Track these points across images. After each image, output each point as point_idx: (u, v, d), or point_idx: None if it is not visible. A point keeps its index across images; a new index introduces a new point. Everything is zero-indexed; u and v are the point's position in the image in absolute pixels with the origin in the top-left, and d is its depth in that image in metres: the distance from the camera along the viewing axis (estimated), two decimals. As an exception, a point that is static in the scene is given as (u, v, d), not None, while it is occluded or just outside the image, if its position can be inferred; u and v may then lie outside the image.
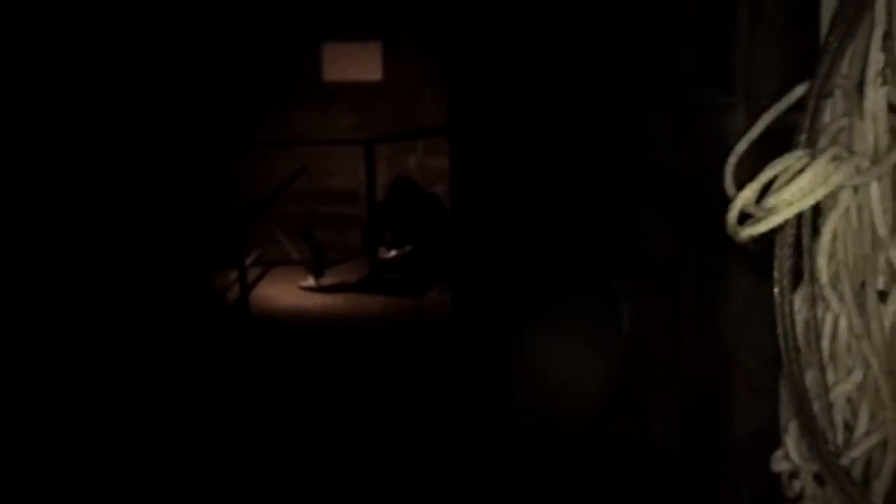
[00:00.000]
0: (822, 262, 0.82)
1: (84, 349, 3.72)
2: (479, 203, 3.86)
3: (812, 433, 0.82)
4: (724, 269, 1.09)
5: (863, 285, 0.81)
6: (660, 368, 1.49)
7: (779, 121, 0.86)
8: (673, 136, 1.32)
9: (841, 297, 0.81)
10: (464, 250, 4.33)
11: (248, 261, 5.62)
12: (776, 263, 0.84)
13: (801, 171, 0.78)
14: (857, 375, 0.82)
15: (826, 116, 0.82)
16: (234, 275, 5.19)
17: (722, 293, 1.11)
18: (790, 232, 0.82)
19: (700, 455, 1.26)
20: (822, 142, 0.81)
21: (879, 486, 0.82)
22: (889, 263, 0.80)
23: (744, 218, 0.81)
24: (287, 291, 5.19)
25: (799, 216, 0.80)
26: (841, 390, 0.84)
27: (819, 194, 0.77)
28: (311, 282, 5.28)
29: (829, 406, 0.83)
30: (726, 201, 0.82)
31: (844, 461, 0.81)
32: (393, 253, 5.60)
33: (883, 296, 0.81)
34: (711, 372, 1.18)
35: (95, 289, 4.06)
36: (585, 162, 2.07)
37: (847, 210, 0.81)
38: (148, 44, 5.04)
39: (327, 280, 5.31)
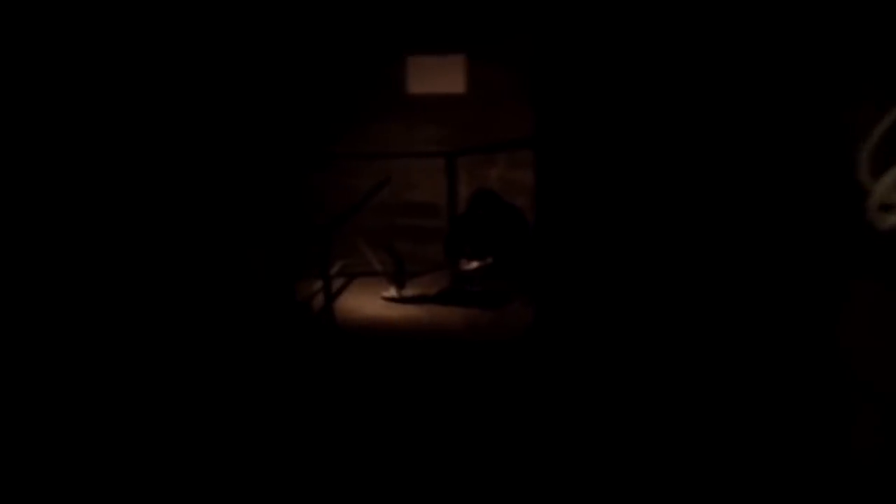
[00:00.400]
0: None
1: (172, 353, 3.82)
2: (588, 214, 3.78)
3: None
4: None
5: None
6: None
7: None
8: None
9: None
10: (553, 264, 4.28)
11: (333, 271, 5.70)
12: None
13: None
14: None
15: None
16: (318, 285, 5.27)
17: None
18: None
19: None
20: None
21: None
22: None
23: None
24: (369, 302, 5.23)
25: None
26: None
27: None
28: (392, 293, 5.31)
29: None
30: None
31: None
32: (473, 265, 5.58)
33: None
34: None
35: (186, 294, 4.17)
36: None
37: None
38: (239, 55, 5.19)
39: (409, 291, 5.33)
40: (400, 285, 5.42)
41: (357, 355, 4.18)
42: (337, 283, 5.67)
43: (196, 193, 4.39)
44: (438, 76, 6.17)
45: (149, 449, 3.10)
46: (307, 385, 3.75)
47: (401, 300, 5.24)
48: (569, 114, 4.32)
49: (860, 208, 0.69)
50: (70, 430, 3.14)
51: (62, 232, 3.59)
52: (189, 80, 4.45)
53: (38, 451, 3.00)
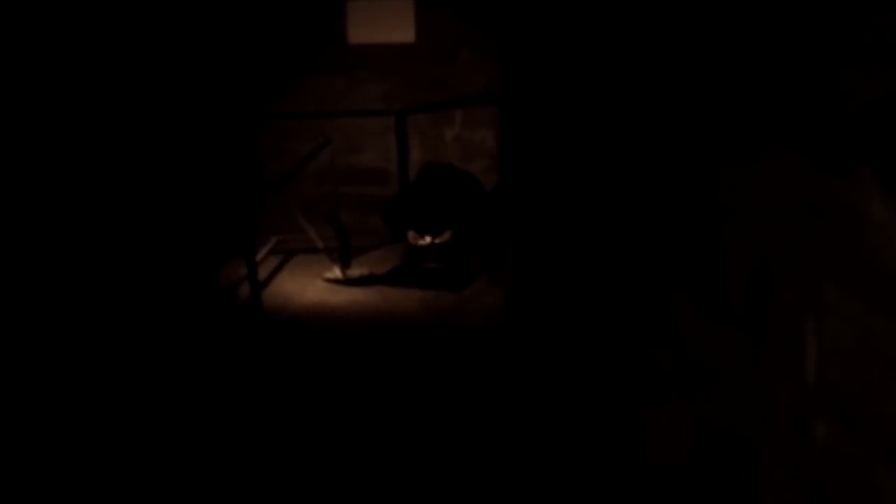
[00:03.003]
0: None
1: (63, 362, 3.09)
2: (561, 183, 3.14)
3: None
4: None
5: None
6: None
7: None
8: None
9: None
10: (526, 237, 3.64)
11: (266, 249, 4.96)
12: None
13: None
14: None
15: None
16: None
17: None
18: None
19: None
20: None
21: None
22: None
23: None
24: (309, 285, 4.52)
25: None
26: None
27: None
28: (336, 273, 4.61)
29: None
30: None
31: None
32: (428, 240, 4.91)
33: None
34: None
35: (80, 288, 3.41)
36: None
37: None
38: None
39: (355, 271, 4.64)
40: (345, 264, 4.72)
41: (289, 354, 3.48)
42: (273, 263, 4.94)
43: (95, 159, 3.61)
44: (383, 23, 5.40)
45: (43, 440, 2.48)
46: (222, 392, 3.05)
47: (346, 282, 4.54)
48: (543, 60, 3.65)
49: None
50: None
51: None
52: (89, 21, 3.62)
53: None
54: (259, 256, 4.81)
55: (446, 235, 4.89)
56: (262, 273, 4.68)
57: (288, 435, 2.78)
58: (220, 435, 2.79)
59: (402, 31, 5.39)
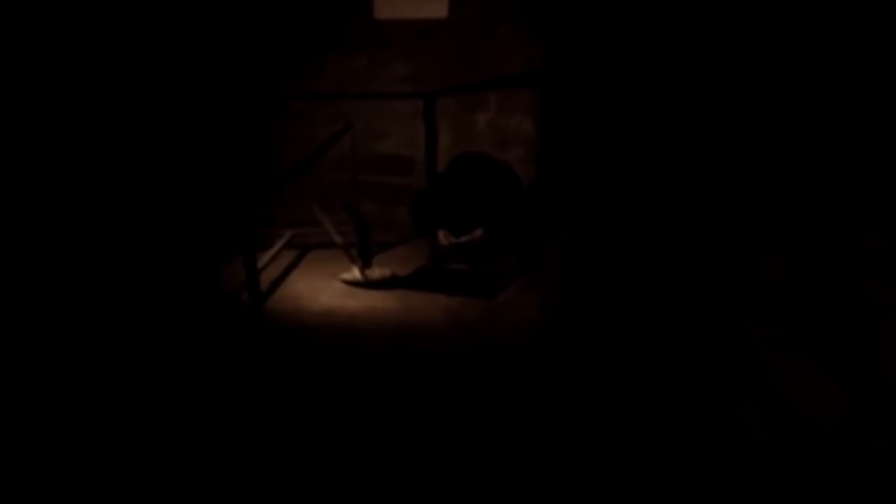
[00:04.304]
0: None
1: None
2: (613, 172, 2.65)
3: None
4: None
5: None
6: None
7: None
8: None
9: None
10: (569, 238, 3.15)
11: (280, 244, 4.52)
12: None
13: None
14: None
15: None
16: (264, 260, 4.10)
17: None
18: None
19: None
20: None
21: None
22: None
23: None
24: (324, 287, 4.07)
25: None
26: None
27: None
28: (355, 273, 4.15)
29: None
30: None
31: None
32: (460, 239, 4.43)
33: None
34: None
35: (54, 294, 2.99)
36: None
37: None
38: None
39: (375, 271, 4.18)
40: (365, 262, 4.27)
41: (295, 376, 3.03)
42: (287, 259, 4.50)
43: (86, 146, 3.17)
44: (413, -4, 4.90)
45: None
46: (219, 428, 2.61)
47: (365, 284, 4.09)
48: (589, 39, 3.15)
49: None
50: None
51: None
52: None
53: None
54: (273, 251, 4.36)
55: (478, 234, 4.41)
56: (273, 272, 4.24)
57: (287, 473, 2.34)
58: (210, 469, 2.35)
59: (433, 5, 4.88)
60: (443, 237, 4.43)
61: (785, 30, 1.53)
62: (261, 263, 3.80)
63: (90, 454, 2.47)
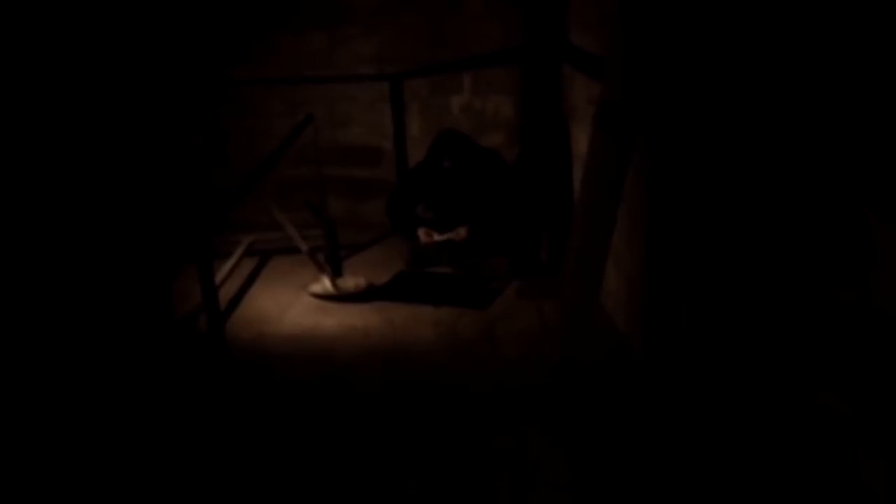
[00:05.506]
0: None
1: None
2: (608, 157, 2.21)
3: None
4: None
5: None
6: None
7: None
8: None
9: None
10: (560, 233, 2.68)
11: (238, 254, 3.96)
12: None
13: None
14: None
15: None
16: (222, 272, 3.55)
17: None
18: None
19: None
20: None
21: None
22: None
23: None
24: (291, 303, 3.55)
25: None
26: None
27: None
28: (325, 284, 3.63)
29: None
30: None
31: None
32: (437, 237, 3.95)
33: None
34: None
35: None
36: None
37: None
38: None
39: (349, 280, 3.67)
40: (335, 271, 3.76)
41: (261, 419, 2.52)
42: (246, 270, 3.95)
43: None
44: (374, -35, 4.34)
45: None
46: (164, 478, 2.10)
47: (338, 297, 3.57)
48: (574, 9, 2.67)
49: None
50: None
51: None
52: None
53: None
54: (231, 262, 3.81)
55: (462, 232, 3.93)
56: (232, 288, 3.69)
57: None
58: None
59: (396, -25, 4.34)
60: (423, 234, 3.94)
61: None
62: (218, 278, 3.25)
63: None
